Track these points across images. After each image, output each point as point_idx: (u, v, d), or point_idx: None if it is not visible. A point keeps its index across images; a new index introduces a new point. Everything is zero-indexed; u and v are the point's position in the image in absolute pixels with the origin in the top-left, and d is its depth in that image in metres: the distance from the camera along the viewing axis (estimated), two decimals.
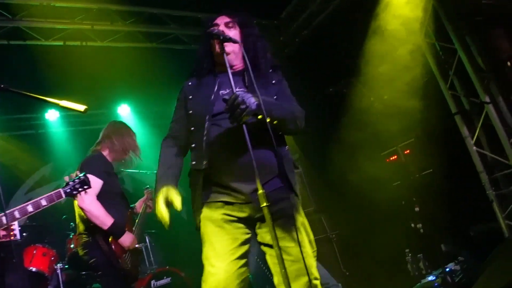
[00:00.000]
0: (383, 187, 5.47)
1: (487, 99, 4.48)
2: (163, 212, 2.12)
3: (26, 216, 2.47)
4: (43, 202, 2.54)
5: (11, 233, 4.41)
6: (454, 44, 4.63)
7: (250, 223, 2.21)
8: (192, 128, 2.21)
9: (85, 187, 2.77)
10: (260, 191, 1.89)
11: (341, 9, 5.91)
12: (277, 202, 2.09)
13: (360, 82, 4.45)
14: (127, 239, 3.34)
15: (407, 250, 5.09)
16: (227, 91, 2.21)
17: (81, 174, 2.78)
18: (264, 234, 2.16)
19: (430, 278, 4.26)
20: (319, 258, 5.30)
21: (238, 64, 2.31)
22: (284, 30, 6.72)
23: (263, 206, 1.88)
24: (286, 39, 6.84)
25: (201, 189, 2.16)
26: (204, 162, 2.13)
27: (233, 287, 2.07)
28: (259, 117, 2.02)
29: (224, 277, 2.06)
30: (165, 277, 5.03)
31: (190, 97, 2.27)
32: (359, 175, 5.79)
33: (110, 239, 3.29)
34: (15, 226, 4.42)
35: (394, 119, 5.09)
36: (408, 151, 5.26)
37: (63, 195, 2.69)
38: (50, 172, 7.47)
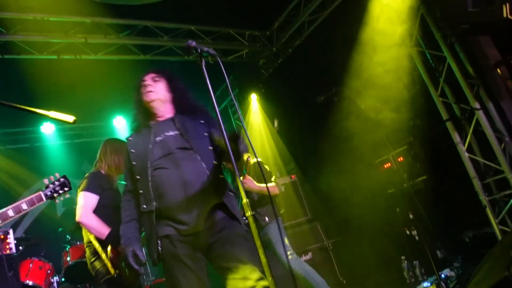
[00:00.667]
0: (377, 195, 5.49)
1: (477, 106, 4.51)
2: (134, 267, 2.41)
3: (7, 221, 2.46)
4: (24, 206, 2.55)
5: (6, 246, 4.43)
6: (443, 52, 4.68)
7: (203, 251, 2.39)
8: (138, 177, 2.43)
9: (66, 189, 2.80)
10: (244, 200, 2.09)
11: (331, 19, 6.00)
12: (222, 229, 2.35)
13: (350, 91, 4.48)
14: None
15: (403, 257, 5.09)
16: (162, 136, 2.48)
17: (60, 176, 2.80)
18: (217, 259, 2.34)
19: (425, 284, 4.26)
20: (316, 267, 5.33)
21: (165, 111, 2.61)
22: (276, 40, 6.79)
23: (249, 216, 2.03)
24: (278, 49, 6.91)
25: (154, 227, 2.35)
26: (154, 203, 2.36)
27: None
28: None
29: None
30: None
31: (133, 150, 2.51)
32: (353, 183, 5.81)
33: (109, 248, 3.37)
34: (11, 239, 4.43)
35: (386, 127, 5.12)
36: (401, 158, 5.29)
37: (44, 198, 2.70)
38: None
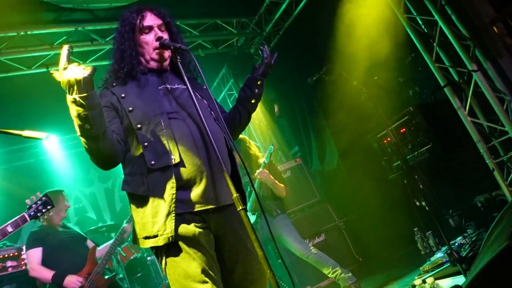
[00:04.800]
0: (383, 169, 5.42)
1: (474, 67, 4.37)
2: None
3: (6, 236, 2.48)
4: (9, 229, 2.55)
5: (22, 263, 4.50)
6: (434, 16, 4.52)
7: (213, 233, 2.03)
8: (139, 126, 1.96)
9: (48, 207, 2.81)
10: (234, 195, 1.79)
11: None
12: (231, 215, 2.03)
13: (341, 67, 4.38)
14: (67, 283, 3.90)
15: (415, 229, 5.03)
16: (171, 86, 2.13)
17: (42, 195, 2.81)
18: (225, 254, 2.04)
19: (439, 255, 4.19)
20: (330, 247, 5.32)
21: (166, 65, 2.22)
22: (265, 24, 6.67)
23: (240, 210, 1.78)
24: (268, 33, 6.79)
25: (174, 189, 1.89)
26: (173, 157, 1.90)
27: None
28: (259, 82, 2.25)
29: None
30: None
31: (123, 95, 2.03)
32: (358, 160, 5.76)
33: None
34: (25, 255, 4.50)
35: (384, 99, 5.03)
36: (404, 129, 5.19)
37: (28, 219, 2.72)
38: None
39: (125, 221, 4.66)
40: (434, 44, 4.66)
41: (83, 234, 4.52)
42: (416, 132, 4.95)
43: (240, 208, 1.78)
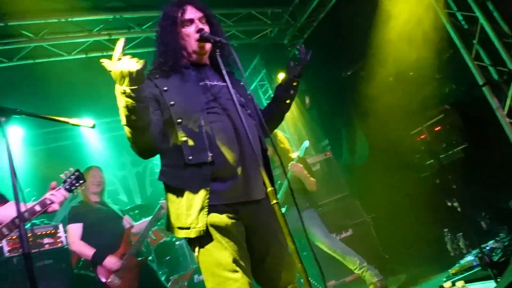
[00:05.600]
0: (415, 167, 5.34)
1: None
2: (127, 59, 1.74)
3: (35, 216, 2.61)
4: (48, 201, 2.67)
5: (58, 240, 4.70)
6: (475, 12, 4.39)
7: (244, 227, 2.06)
8: (179, 120, 2.00)
9: (81, 181, 2.93)
10: (269, 189, 1.83)
11: None
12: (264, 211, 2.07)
13: (377, 62, 4.31)
14: (108, 262, 4.03)
15: (445, 230, 4.95)
16: (210, 83, 2.16)
17: (75, 171, 2.94)
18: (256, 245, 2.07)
19: (469, 258, 4.11)
20: (357, 242, 5.31)
21: (205, 59, 2.25)
22: (300, 15, 6.61)
23: (274, 203, 1.80)
24: (302, 24, 6.74)
25: (208, 185, 1.95)
26: (210, 154, 1.96)
27: None
28: (295, 83, 2.30)
29: (248, 283, 1.94)
30: None
31: (165, 88, 2.06)
32: (390, 156, 5.68)
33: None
34: (61, 233, 4.70)
35: (419, 96, 4.93)
36: (438, 127, 5.09)
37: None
38: None
39: (162, 198, 4.69)
40: (474, 41, 4.53)
41: (119, 212, 4.59)
42: (451, 130, 4.84)
43: (275, 201, 1.81)
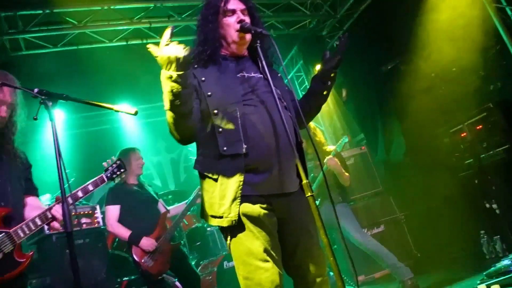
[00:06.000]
0: (454, 166, 5.19)
1: None
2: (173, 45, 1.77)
3: (78, 201, 2.70)
4: (90, 187, 2.76)
5: (95, 221, 4.87)
6: None
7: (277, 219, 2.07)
8: (216, 111, 2.02)
9: (122, 170, 3.01)
10: (305, 181, 1.85)
11: None
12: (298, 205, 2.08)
13: (418, 58, 4.19)
14: (144, 244, 4.14)
15: (482, 232, 4.80)
16: (247, 74, 2.16)
17: (116, 159, 3.02)
18: (287, 237, 2.08)
19: (506, 262, 3.98)
20: (389, 239, 5.23)
21: (244, 50, 2.25)
22: (340, 7, 6.50)
23: (309, 196, 1.82)
24: (342, 16, 6.63)
25: (242, 177, 1.96)
26: (244, 146, 1.97)
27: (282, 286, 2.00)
28: (332, 74, 2.22)
29: (279, 273, 1.96)
30: None
31: (203, 79, 2.08)
32: (427, 154, 5.54)
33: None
34: (98, 214, 4.87)
35: (461, 93, 4.77)
36: (480, 126, 4.91)
37: (106, 180, 2.93)
38: None
39: (198, 187, 4.79)
40: None
41: (155, 196, 4.66)
42: (494, 130, 4.67)
43: (309, 194, 1.82)
